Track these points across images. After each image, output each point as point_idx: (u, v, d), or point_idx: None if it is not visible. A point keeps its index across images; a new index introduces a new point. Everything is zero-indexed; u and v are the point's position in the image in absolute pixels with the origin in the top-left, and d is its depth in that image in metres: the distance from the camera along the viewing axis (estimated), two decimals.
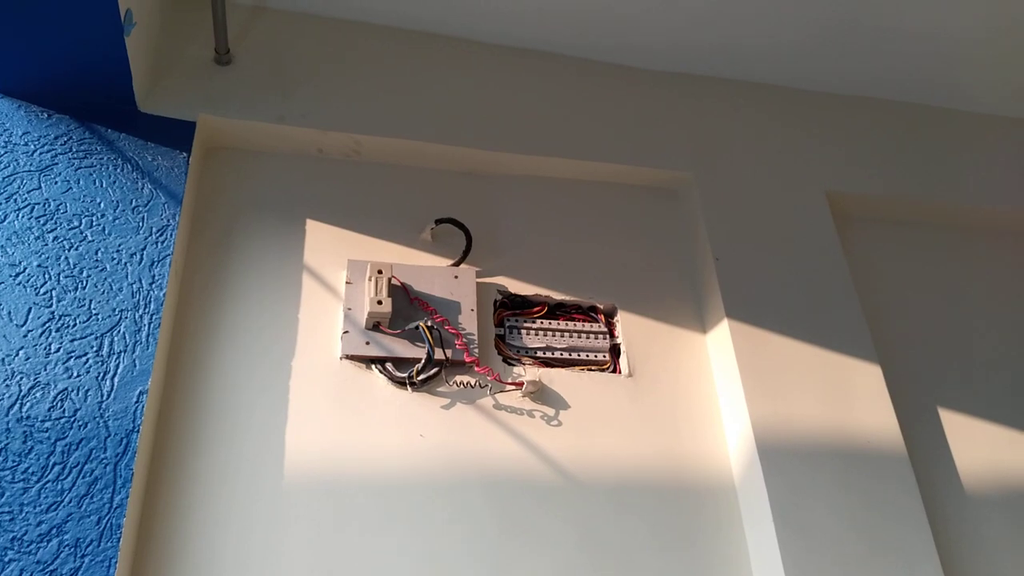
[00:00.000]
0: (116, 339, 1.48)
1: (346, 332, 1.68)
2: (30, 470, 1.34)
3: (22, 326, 1.45)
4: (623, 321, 1.87)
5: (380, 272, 1.69)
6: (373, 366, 1.68)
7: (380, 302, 1.65)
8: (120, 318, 1.50)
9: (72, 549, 1.30)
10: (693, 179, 2.03)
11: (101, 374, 1.44)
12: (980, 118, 2.42)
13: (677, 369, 1.84)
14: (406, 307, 1.71)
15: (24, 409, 1.38)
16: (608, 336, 1.86)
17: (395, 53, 2.05)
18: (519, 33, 2.11)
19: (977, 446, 1.89)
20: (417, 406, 1.66)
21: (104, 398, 1.42)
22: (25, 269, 1.51)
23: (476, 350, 1.71)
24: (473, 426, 1.66)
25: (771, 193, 2.07)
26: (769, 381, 1.76)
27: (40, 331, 1.45)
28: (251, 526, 1.46)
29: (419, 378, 1.65)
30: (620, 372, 1.82)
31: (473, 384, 1.70)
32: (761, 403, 1.72)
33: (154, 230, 1.60)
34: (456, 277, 1.81)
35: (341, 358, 1.67)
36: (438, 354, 1.66)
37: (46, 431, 1.37)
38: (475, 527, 1.55)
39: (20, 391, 1.39)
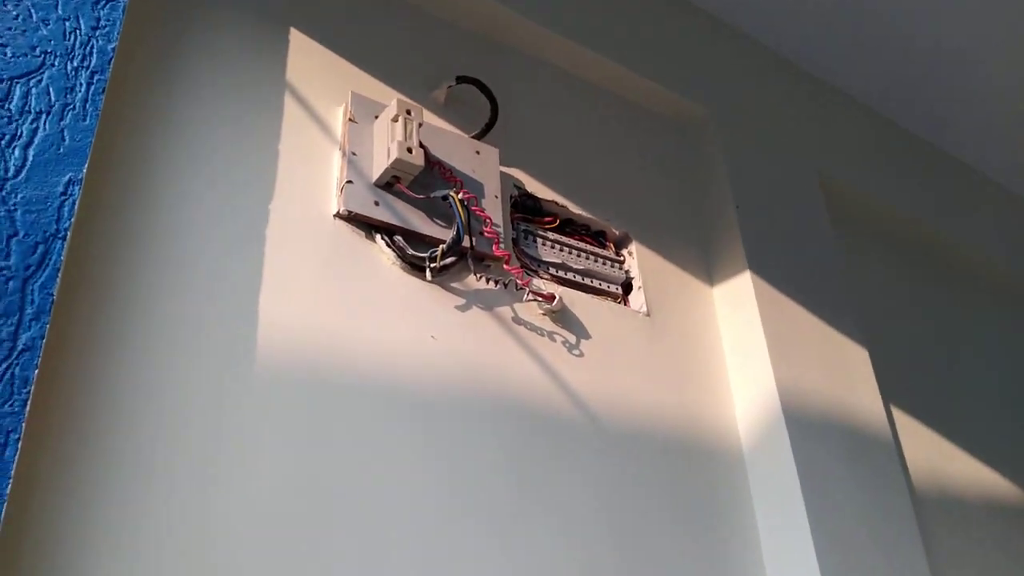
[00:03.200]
0: (34, 91, 0.91)
1: (349, 182, 1.22)
2: None
3: None
4: (638, 254, 1.60)
5: (410, 113, 1.25)
6: (378, 236, 1.24)
7: (411, 150, 1.22)
8: (43, 62, 0.93)
9: None
10: (713, 115, 1.83)
11: (5, 136, 0.87)
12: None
13: (686, 317, 1.61)
14: (424, 171, 1.29)
15: None
16: (620, 267, 1.58)
17: None
18: None
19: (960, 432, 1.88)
20: (429, 299, 1.25)
21: (8, 174, 0.85)
22: None
23: (504, 245, 1.34)
24: (492, 336, 1.29)
25: (779, 155, 1.93)
26: (793, 345, 1.59)
27: None
28: (208, 409, 0.96)
29: (441, 263, 1.24)
30: (633, 308, 1.54)
31: (499, 284, 1.32)
32: (786, 368, 1.54)
33: None
34: (478, 153, 1.42)
35: (336, 215, 1.21)
36: (466, 238, 1.26)
37: None
38: (483, 455, 1.17)
39: None
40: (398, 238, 1.24)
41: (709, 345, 1.60)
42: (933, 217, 2.21)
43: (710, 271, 1.71)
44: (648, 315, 1.53)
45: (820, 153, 2.04)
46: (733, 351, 1.60)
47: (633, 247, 1.61)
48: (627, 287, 1.58)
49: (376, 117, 1.30)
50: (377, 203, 1.23)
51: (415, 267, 1.24)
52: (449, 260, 1.27)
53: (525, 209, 1.52)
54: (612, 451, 1.33)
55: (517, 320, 1.34)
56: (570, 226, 1.58)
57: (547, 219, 1.53)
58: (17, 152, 0.86)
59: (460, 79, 1.45)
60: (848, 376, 1.65)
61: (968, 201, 2.43)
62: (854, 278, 1.94)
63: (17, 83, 0.90)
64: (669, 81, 1.79)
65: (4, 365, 0.77)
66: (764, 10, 2.01)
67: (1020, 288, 2.45)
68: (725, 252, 1.70)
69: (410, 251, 1.24)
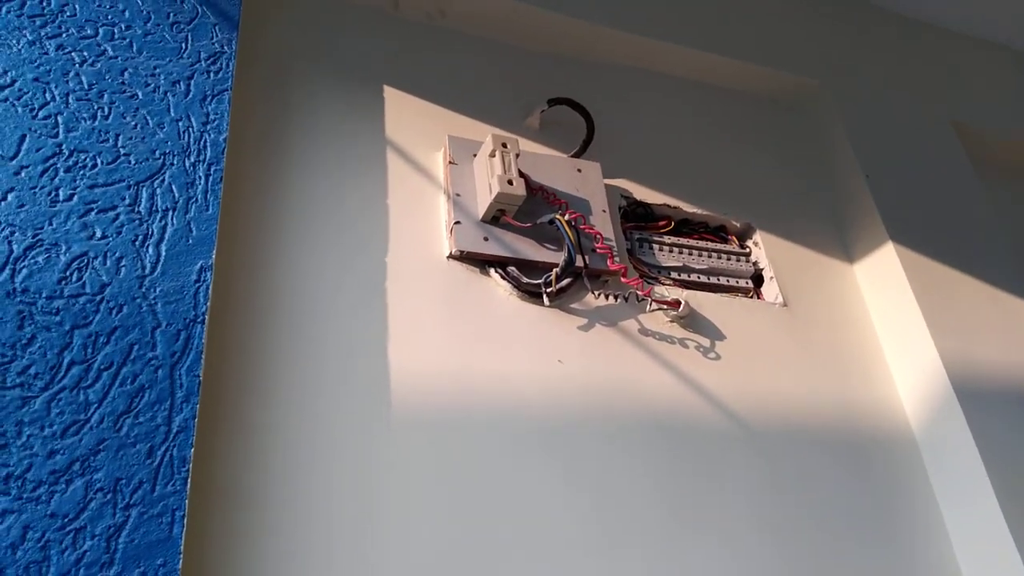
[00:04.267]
0: (159, 191, 0.99)
1: (458, 223, 1.24)
2: (31, 371, 0.83)
3: (12, 159, 0.94)
4: (764, 243, 1.53)
5: (506, 146, 1.26)
6: (492, 270, 1.25)
7: (511, 182, 1.23)
8: (163, 163, 1.01)
9: (108, 495, 0.80)
10: (823, 86, 1.73)
11: (139, 237, 0.95)
12: None
13: (830, 300, 1.51)
14: (528, 199, 1.29)
15: (18, 279, 0.87)
16: (747, 260, 1.52)
17: None
18: None
19: None
20: (551, 323, 1.24)
21: (147, 271, 0.93)
22: (14, 81, 0.99)
23: (618, 258, 1.31)
24: (620, 352, 1.26)
25: (905, 114, 1.79)
26: (952, 314, 1.46)
27: (41, 168, 0.94)
28: (354, 466, 1.00)
29: (556, 287, 1.24)
30: (768, 300, 1.47)
31: (619, 298, 1.30)
32: (950, 339, 1.42)
33: (204, 56, 1.12)
34: (579, 171, 1.41)
35: (450, 256, 1.24)
36: (578, 258, 1.25)
37: (56, 313, 0.87)
38: (629, 478, 1.14)
39: (11, 251, 0.88)
40: (512, 269, 1.25)
41: (858, 328, 1.50)
42: None
43: (848, 249, 1.61)
44: (785, 305, 1.46)
45: (950, 102, 1.87)
46: (887, 331, 1.49)
47: (758, 237, 1.54)
48: (758, 279, 1.51)
49: (474, 155, 1.33)
50: (486, 238, 1.25)
51: (532, 295, 1.25)
52: (565, 282, 1.26)
53: (637, 217, 1.49)
54: (767, 455, 1.27)
55: (644, 332, 1.31)
56: (687, 226, 1.53)
57: (662, 223, 1.50)
58: (151, 250, 0.94)
59: (551, 101, 1.45)
60: (1019, 337, 1.50)
61: None
62: (1009, 230, 1.76)
63: (143, 187, 0.98)
64: (767, 59, 1.71)
65: (163, 448, 0.83)
66: None
67: None
68: (861, 226, 1.59)
69: (525, 280, 1.24)
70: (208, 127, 1.06)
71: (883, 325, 1.50)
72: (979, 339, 1.46)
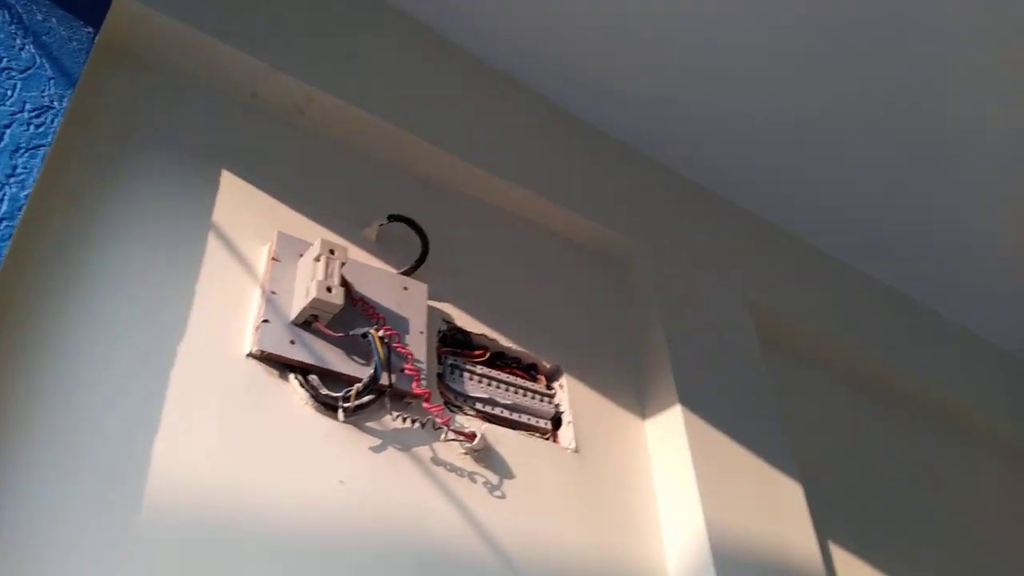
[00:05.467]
0: None
1: (266, 321, 1.23)
2: None
3: None
4: (569, 387, 1.60)
5: (333, 253, 1.27)
6: (292, 376, 1.23)
7: (330, 289, 1.23)
8: None
9: None
10: (642, 248, 1.87)
11: None
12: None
13: (621, 452, 1.59)
14: (347, 309, 1.30)
15: None
16: (550, 401, 1.58)
17: (384, 24, 1.71)
18: (515, 63, 1.88)
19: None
20: (341, 440, 1.23)
21: None
22: None
23: (425, 382, 1.34)
24: (407, 480, 1.26)
25: (708, 285, 1.96)
26: (724, 482, 1.57)
27: None
28: (91, 570, 0.93)
29: (355, 403, 1.24)
30: (561, 444, 1.53)
31: (416, 423, 1.31)
32: (717, 507, 1.52)
33: (28, 107, 1.07)
34: (406, 289, 1.43)
35: (249, 355, 1.21)
36: (384, 376, 1.26)
37: None
38: None
39: None
40: (313, 377, 1.24)
41: (639, 482, 1.58)
42: (870, 348, 2.23)
43: (643, 404, 1.71)
44: (577, 451, 1.52)
45: (751, 283, 2.07)
46: (663, 489, 1.58)
47: (564, 380, 1.61)
48: (556, 422, 1.57)
49: (301, 255, 1.33)
50: (293, 342, 1.24)
51: (329, 407, 1.23)
52: (366, 399, 1.26)
53: (456, 343, 1.52)
54: None
55: (436, 461, 1.32)
56: (502, 359, 1.58)
57: (477, 352, 1.54)
58: None
59: (392, 217, 1.49)
60: (781, 513, 1.63)
61: (908, 334, 2.47)
62: (788, 410, 1.94)
63: None
64: (597, 215, 1.84)
65: None
66: (689, 143, 2.08)
67: (960, 419, 2.45)
68: (656, 385, 1.71)
69: (323, 390, 1.23)
70: (11, 180, 1.01)
71: (662, 484, 1.59)
72: (743, 510, 1.57)
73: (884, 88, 1.92)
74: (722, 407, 1.71)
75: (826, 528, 1.76)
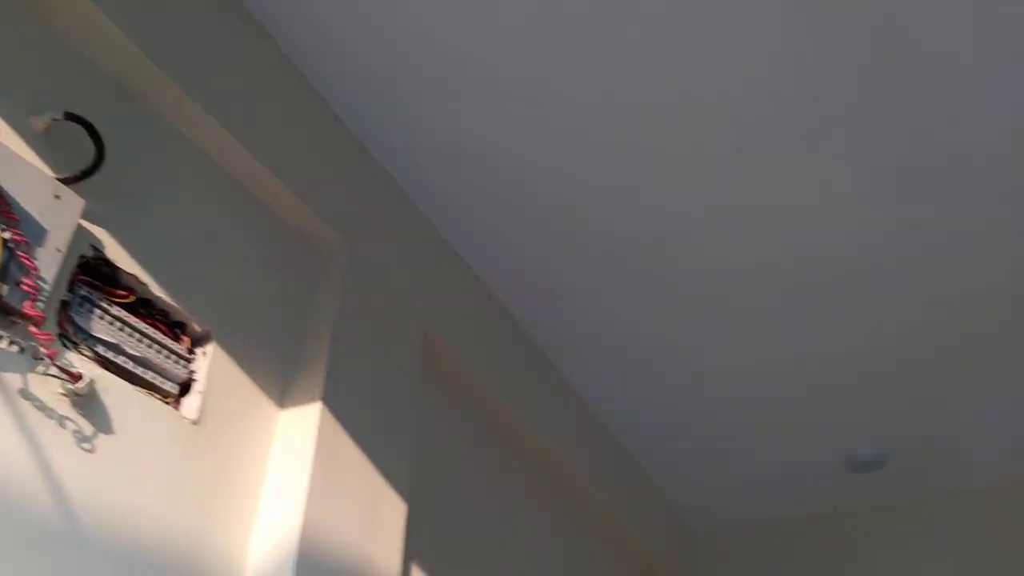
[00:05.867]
0: None
1: None
2: None
3: None
4: (212, 357, 1.52)
5: None
6: None
7: None
8: None
9: None
10: (344, 246, 1.85)
11: None
12: None
13: (242, 436, 1.54)
14: None
15: None
16: (186, 365, 1.48)
17: None
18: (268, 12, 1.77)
19: None
20: None
21: None
22: None
23: (43, 305, 1.18)
24: None
25: (386, 305, 2.00)
26: (333, 488, 1.59)
27: None
28: None
29: None
30: (182, 412, 1.44)
31: (16, 346, 1.14)
32: (319, 510, 1.53)
33: None
34: (58, 198, 1.26)
35: None
36: None
37: None
38: None
39: None
40: None
41: (250, 471, 1.53)
42: (513, 401, 2.42)
43: (284, 393, 1.67)
44: (196, 423, 1.44)
45: (431, 311, 2.14)
46: (273, 482, 1.55)
47: (210, 348, 1.52)
48: (186, 388, 1.48)
49: None
50: None
51: None
52: None
53: (99, 276, 1.37)
54: (96, 571, 1.18)
55: (25, 393, 1.16)
56: (146, 308, 1.45)
57: (121, 292, 1.40)
58: None
59: (69, 115, 1.31)
60: (379, 529, 1.69)
61: (549, 400, 2.71)
62: (426, 436, 2.03)
63: None
64: (309, 197, 1.79)
65: None
66: (426, 165, 2.13)
67: (563, 483, 2.74)
68: (305, 378, 1.68)
69: None
70: None
71: (273, 477, 1.56)
72: (344, 519, 1.59)
73: None
74: (362, 416, 1.74)
75: (416, 551, 1.86)
